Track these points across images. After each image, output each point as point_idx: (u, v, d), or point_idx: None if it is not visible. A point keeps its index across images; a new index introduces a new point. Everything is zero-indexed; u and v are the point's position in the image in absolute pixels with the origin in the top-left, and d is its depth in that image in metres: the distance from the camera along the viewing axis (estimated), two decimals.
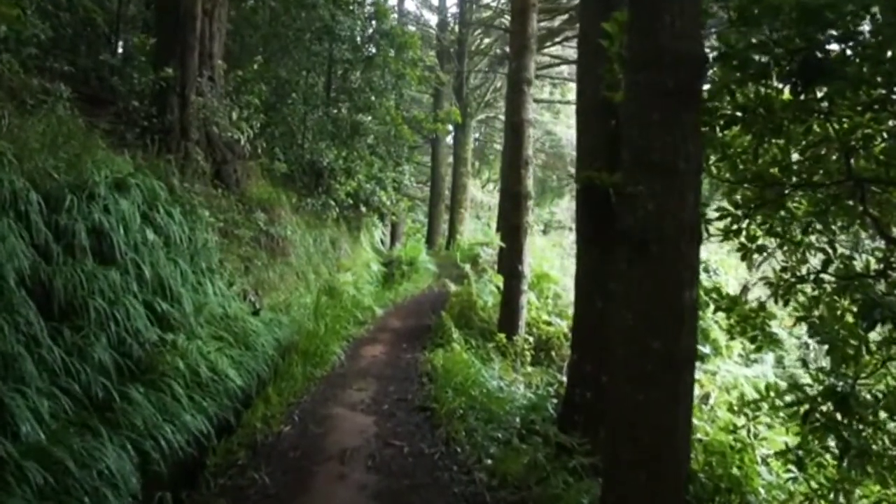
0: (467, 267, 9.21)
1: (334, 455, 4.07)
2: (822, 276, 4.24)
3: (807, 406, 3.94)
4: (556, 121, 24.20)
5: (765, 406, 5.19)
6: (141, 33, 9.75)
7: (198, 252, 6.61)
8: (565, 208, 27.46)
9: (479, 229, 22.70)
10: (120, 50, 9.99)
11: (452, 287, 9.38)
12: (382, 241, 18.19)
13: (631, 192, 2.85)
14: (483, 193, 28.03)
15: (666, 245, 2.76)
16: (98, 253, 5.11)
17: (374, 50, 12.94)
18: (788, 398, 4.82)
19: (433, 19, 22.88)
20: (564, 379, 6.07)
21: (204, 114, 8.30)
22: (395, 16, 17.96)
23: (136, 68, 8.77)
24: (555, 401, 5.14)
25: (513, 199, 7.55)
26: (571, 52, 17.83)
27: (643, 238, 2.80)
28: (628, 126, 2.94)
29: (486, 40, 21.70)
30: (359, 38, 12.22)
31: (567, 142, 23.47)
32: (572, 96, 22.13)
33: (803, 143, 4.12)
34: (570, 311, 8.62)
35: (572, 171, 21.36)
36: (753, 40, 3.53)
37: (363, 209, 13.39)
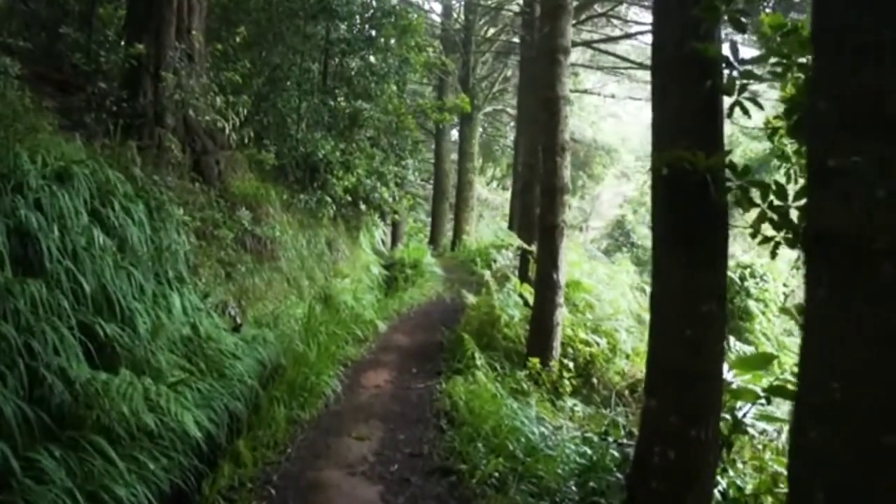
0: (487, 274, 7.92)
1: None
2: None
3: None
4: (571, 112, 22.75)
5: None
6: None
7: (162, 257, 5.44)
8: (576, 206, 26.33)
9: (488, 228, 21.48)
10: (110, 33, 8.94)
11: (471, 298, 8.07)
12: (383, 242, 17.02)
13: (837, 168, 1.64)
14: (488, 191, 26.86)
15: None
16: (22, 261, 3.99)
17: (374, 32, 11.79)
18: None
19: (437, 7, 21.76)
20: (621, 420, 4.84)
21: (180, 94, 7.13)
22: (396, 3, 16.82)
23: (102, 45, 7.62)
24: (615, 453, 3.93)
25: (547, 193, 6.22)
26: (586, 35, 16.63)
27: (865, 246, 1.60)
28: (833, 58, 1.71)
29: (492, 30, 20.54)
30: (358, 17, 11.03)
31: (581, 136, 22.26)
32: (589, 85, 21.10)
33: None
34: (605, 326, 7.46)
35: (610, 163, 20.04)
36: None
37: (363, 207, 12.21)
